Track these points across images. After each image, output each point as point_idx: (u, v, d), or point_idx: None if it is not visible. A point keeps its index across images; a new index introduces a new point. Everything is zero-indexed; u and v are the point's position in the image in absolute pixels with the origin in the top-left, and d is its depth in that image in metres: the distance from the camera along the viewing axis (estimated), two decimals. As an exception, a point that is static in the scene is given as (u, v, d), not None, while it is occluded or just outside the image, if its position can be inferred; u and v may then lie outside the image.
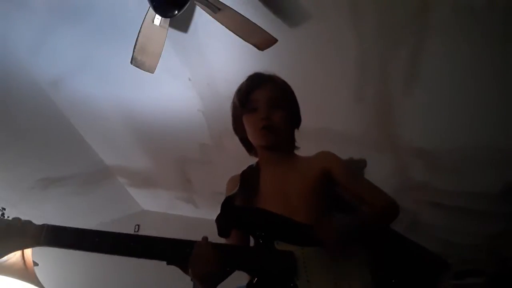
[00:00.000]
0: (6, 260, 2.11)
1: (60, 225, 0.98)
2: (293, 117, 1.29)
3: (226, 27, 1.92)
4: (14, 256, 2.15)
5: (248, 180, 1.24)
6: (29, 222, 1.00)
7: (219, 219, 1.08)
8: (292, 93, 1.31)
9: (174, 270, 1.00)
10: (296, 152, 1.31)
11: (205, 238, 0.98)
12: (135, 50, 2.02)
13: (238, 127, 1.30)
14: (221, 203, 1.13)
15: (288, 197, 1.14)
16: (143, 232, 3.84)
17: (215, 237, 1.07)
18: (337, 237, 1.00)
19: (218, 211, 1.12)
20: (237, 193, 1.18)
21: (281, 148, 1.25)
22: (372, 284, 1.00)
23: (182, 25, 2.19)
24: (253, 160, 1.32)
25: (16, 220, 0.99)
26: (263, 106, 1.22)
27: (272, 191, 1.18)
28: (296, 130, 1.32)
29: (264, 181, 1.22)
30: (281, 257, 0.99)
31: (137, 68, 2.13)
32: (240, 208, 1.13)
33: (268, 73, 1.32)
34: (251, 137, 1.26)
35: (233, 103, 1.31)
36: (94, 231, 0.97)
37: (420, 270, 1.09)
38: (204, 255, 0.95)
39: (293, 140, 1.30)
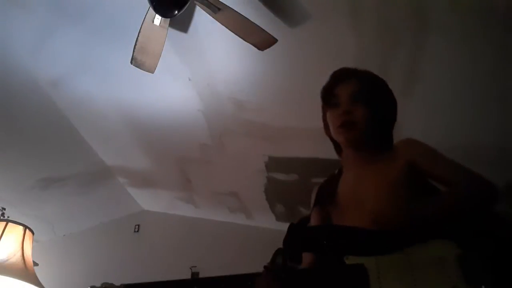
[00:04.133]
0: (6, 260, 2.11)
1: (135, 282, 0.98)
2: (385, 114, 1.20)
3: (226, 27, 1.92)
4: (14, 256, 2.15)
5: (324, 191, 1.19)
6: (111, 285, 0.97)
7: (286, 246, 1.02)
8: (384, 87, 1.24)
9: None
10: None
11: (265, 269, 0.94)
12: (135, 50, 2.02)
13: (326, 126, 1.24)
14: (288, 227, 1.06)
15: (364, 201, 1.07)
16: (143, 232, 3.84)
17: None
18: (410, 223, 0.93)
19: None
20: (311, 211, 1.13)
21: (367, 146, 1.16)
22: (465, 278, 0.87)
23: (182, 25, 2.19)
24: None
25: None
26: (344, 101, 1.15)
27: (348, 197, 1.12)
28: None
29: (342, 188, 1.15)
30: (351, 272, 0.92)
31: (137, 68, 2.13)
32: (304, 230, 1.07)
33: (356, 68, 1.26)
34: (333, 135, 1.20)
35: None
36: (160, 283, 0.98)
37: None
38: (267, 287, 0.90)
39: (387, 136, 1.21)
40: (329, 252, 0.99)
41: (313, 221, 1.18)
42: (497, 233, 0.97)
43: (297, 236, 1.03)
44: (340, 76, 1.23)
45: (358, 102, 1.15)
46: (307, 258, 1.07)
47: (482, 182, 1.02)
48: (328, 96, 1.21)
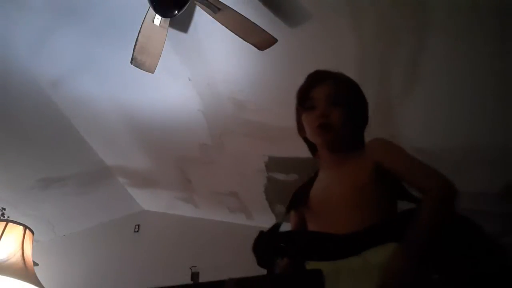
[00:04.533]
0: (6, 260, 2.11)
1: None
2: (358, 116, 1.22)
3: (226, 27, 1.92)
4: (14, 256, 2.15)
5: (298, 194, 1.22)
6: None
7: (254, 251, 1.05)
8: (357, 90, 1.26)
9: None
10: None
11: (228, 279, 0.95)
12: (135, 50, 2.02)
13: (300, 127, 1.27)
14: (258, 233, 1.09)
15: (333, 204, 1.09)
16: (143, 232, 3.84)
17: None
18: (412, 269, 0.88)
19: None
20: (284, 215, 1.17)
21: (342, 148, 1.18)
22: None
23: (182, 25, 2.19)
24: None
25: None
26: (321, 103, 1.17)
27: (318, 200, 1.14)
28: None
29: (315, 190, 1.18)
30: (309, 277, 0.94)
31: (137, 68, 2.13)
32: (270, 235, 1.09)
33: (330, 70, 1.27)
34: (309, 136, 1.23)
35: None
36: None
37: (480, 266, 0.92)
38: None
39: (360, 139, 1.23)
40: (293, 258, 1.03)
41: (291, 225, 1.22)
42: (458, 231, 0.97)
43: (265, 242, 1.06)
44: (315, 79, 1.24)
45: (334, 104, 1.17)
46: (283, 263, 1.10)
47: (448, 185, 1.00)
48: (304, 98, 1.23)
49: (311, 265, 0.98)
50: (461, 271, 0.91)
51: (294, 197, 1.23)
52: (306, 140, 1.28)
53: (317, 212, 1.13)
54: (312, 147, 1.28)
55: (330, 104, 1.17)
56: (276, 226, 1.12)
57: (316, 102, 1.19)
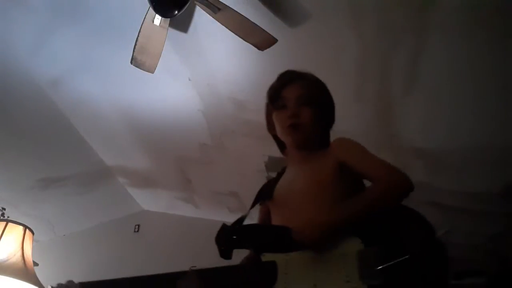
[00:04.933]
0: (6, 260, 2.11)
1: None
2: (326, 115, 1.26)
3: (226, 27, 1.92)
4: (14, 256, 2.15)
5: (265, 188, 1.26)
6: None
7: (217, 242, 1.09)
8: (325, 91, 1.29)
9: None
10: None
11: (190, 270, 1.00)
12: (135, 50, 2.02)
13: (270, 125, 1.30)
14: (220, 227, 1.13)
15: (295, 198, 1.13)
16: (143, 232, 3.84)
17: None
18: (319, 238, 0.96)
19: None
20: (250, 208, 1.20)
21: (310, 146, 1.22)
22: (360, 274, 0.91)
23: (182, 25, 2.19)
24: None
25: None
26: (292, 103, 1.21)
27: (282, 195, 1.18)
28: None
29: (280, 185, 1.22)
30: (263, 269, 1.00)
31: (137, 68, 2.13)
32: (229, 229, 1.13)
33: (300, 71, 1.31)
34: (279, 135, 1.26)
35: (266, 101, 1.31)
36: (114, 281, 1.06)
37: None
38: (190, 286, 0.98)
39: (326, 138, 1.27)
40: (251, 250, 1.08)
41: (258, 218, 1.27)
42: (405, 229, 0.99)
43: (225, 235, 1.10)
44: (286, 79, 1.28)
45: (304, 105, 1.20)
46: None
47: (399, 176, 1.05)
48: (275, 97, 1.26)
49: (267, 257, 1.02)
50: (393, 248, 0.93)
51: (260, 192, 1.27)
52: (275, 137, 1.32)
53: (280, 206, 1.17)
54: (281, 144, 1.32)
55: (300, 104, 1.21)
56: (240, 220, 1.15)
57: (287, 102, 1.22)
